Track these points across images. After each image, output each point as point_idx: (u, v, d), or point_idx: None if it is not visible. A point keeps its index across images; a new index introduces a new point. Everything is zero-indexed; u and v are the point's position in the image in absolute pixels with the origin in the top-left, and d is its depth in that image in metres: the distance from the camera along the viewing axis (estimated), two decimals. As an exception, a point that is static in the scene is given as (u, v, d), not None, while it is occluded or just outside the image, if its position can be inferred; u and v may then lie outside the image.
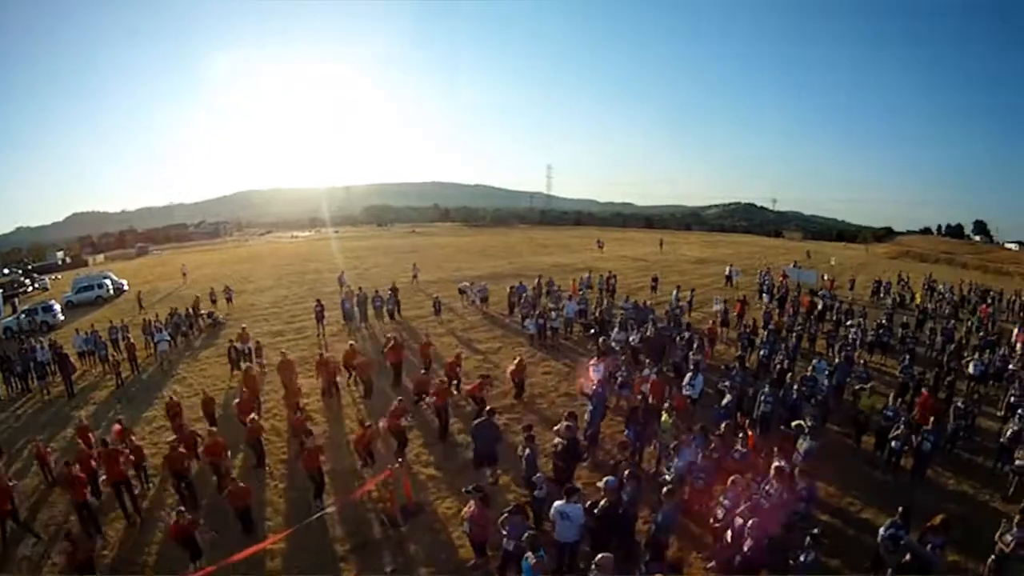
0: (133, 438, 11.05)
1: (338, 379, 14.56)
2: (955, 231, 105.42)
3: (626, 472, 8.21)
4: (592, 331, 18.25)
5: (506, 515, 7.22)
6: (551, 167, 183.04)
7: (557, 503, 7.39)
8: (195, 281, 34.54)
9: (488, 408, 10.85)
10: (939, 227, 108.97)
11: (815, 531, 7.14)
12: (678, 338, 16.41)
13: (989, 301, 27.67)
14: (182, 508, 8.38)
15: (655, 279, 28.09)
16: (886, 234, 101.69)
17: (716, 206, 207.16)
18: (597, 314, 19.36)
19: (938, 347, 18.14)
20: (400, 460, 10.14)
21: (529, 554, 6.29)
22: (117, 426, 11.35)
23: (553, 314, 18.94)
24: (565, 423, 9.62)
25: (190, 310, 22.63)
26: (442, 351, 17.40)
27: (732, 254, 49.93)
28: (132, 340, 18.75)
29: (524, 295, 22.42)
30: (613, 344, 16.09)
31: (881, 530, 7.66)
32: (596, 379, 13.17)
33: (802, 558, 6.82)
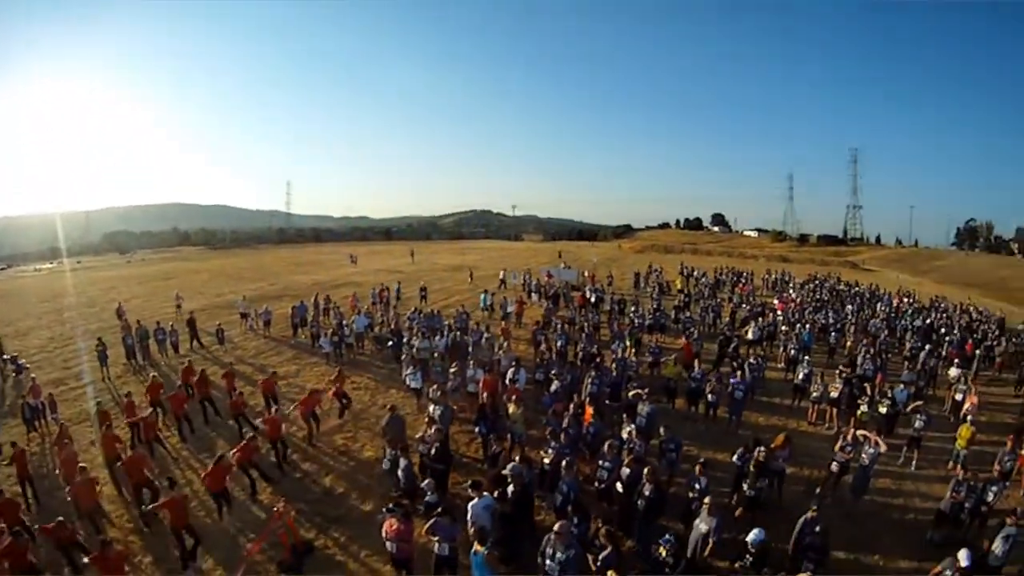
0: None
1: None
2: (694, 224, 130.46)
3: (516, 457, 9.89)
4: (390, 343, 19.63)
5: (433, 520, 7.98)
6: (291, 183, 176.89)
7: (472, 502, 8.49)
8: (-49, 327, 32.08)
9: (390, 406, 12.73)
10: (678, 221, 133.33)
11: (702, 460, 9.45)
12: (483, 339, 18.69)
13: (744, 281, 36.57)
14: None
15: (423, 289, 31.37)
16: (626, 231, 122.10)
17: (452, 215, 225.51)
18: (393, 326, 21.15)
19: (710, 322, 24.05)
20: (284, 501, 10.28)
21: (478, 547, 7.23)
22: None
23: (345, 330, 21.01)
24: (435, 427, 11.13)
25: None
26: (245, 379, 18.46)
27: (482, 259, 56.54)
28: None
29: (307, 315, 24.81)
30: (422, 353, 17.50)
31: (735, 458, 10.40)
32: (414, 386, 15.61)
33: (697, 485, 9.07)
